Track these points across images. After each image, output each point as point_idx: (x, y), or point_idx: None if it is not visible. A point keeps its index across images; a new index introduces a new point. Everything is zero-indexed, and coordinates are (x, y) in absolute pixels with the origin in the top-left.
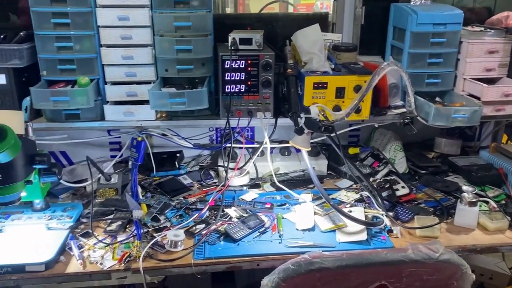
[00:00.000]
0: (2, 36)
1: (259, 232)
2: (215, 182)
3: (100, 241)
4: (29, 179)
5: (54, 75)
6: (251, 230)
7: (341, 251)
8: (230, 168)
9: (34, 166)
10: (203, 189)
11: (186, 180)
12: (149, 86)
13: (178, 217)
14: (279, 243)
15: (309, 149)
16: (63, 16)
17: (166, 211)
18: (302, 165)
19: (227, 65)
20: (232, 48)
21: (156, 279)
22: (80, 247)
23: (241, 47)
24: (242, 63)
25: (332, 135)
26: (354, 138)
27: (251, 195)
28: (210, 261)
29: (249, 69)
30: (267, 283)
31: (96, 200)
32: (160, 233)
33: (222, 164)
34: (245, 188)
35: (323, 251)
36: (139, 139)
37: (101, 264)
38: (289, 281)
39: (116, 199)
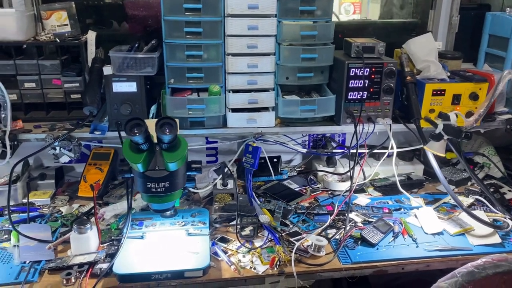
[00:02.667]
0: (136, 45)
1: (393, 236)
2: (318, 187)
3: (243, 245)
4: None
5: (181, 83)
6: (384, 235)
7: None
8: (335, 174)
9: (189, 173)
10: (312, 194)
11: (291, 185)
12: (267, 94)
13: (302, 222)
14: (416, 247)
15: (444, 155)
16: (196, 25)
17: (288, 216)
18: (399, 170)
19: (352, 73)
20: (355, 56)
21: (307, 283)
22: (224, 252)
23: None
24: (367, 70)
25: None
26: None
27: (363, 200)
28: (359, 265)
29: (373, 76)
30: (447, 286)
31: (215, 206)
32: (295, 238)
33: (321, 169)
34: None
35: (461, 254)
36: (254, 145)
37: (254, 269)
38: (473, 283)
39: (234, 204)
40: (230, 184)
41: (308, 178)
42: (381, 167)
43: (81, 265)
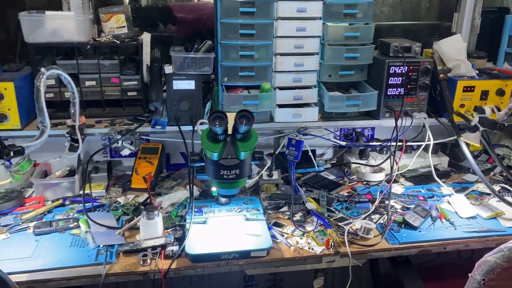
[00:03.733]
0: (196, 46)
1: (432, 220)
2: (353, 178)
3: (297, 228)
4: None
5: (234, 81)
6: (424, 219)
7: None
8: (369, 166)
9: (253, 162)
10: (350, 184)
11: (328, 176)
12: (311, 90)
13: (345, 209)
14: (455, 229)
15: (479, 145)
16: (250, 27)
17: (332, 204)
18: (425, 162)
19: (391, 71)
20: (393, 55)
21: (360, 262)
22: (281, 235)
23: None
24: (405, 68)
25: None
26: None
27: (398, 189)
28: (406, 245)
29: (410, 74)
30: (495, 260)
31: (262, 195)
32: (343, 223)
33: (356, 161)
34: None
35: (496, 235)
36: (297, 138)
37: (311, 249)
38: None
39: (279, 193)
40: (275, 175)
41: (345, 170)
42: (409, 160)
43: (154, 247)
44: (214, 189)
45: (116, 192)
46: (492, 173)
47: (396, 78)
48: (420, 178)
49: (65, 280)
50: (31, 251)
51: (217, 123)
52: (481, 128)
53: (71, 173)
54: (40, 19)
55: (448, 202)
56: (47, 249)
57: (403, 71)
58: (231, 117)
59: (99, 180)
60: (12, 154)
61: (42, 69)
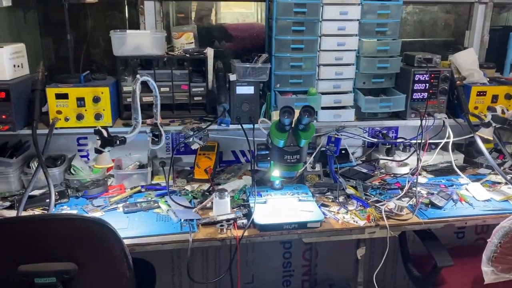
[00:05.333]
0: (255, 58)
1: (453, 202)
2: (382, 171)
3: (342, 207)
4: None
5: (285, 87)
6: (446, 201)
7: None
8: (396, 161)
9: (308, 151)
10: (379, 176)
11: (361, 170)
12: (348, 95)
13: (379, 194)
14: (473, 209)
15: (492, 138)
16: (299, 42)
17: (368, 190)
18: (444, 158)
19: (416, 78)
20: (417, 65)
21: (396, 233)
22: (329, 212)
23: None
24: (428, 76)
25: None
26: None
27: (422, 179)
28: (433, 220)
29: (432, 81)
30: (509, 225)
31: (307, 184)
32: (379, 204)
33: (384, 157)
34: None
35: (509, 212)
36: (336, 135)
37: (356, 222)
38: None
39: (322, 182)
40: (317, 167)
41: (374, 164)
42: (430, 156)
43: (228, 220)
44: (274, 174)
45: (182, 182)
46: (502, 168)
47: (420, 85)
48: (440, 172)
49: (160, 244)
50: (126, 224)
51: (286, 116)
52: (494, 124)
53: (140, 166)
54: (124, 37)
55: (466, 189)
56: (138, 223)
57: (426, 79)
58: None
59: (166, 172)
60: (118, 142)
61: (138, 76)
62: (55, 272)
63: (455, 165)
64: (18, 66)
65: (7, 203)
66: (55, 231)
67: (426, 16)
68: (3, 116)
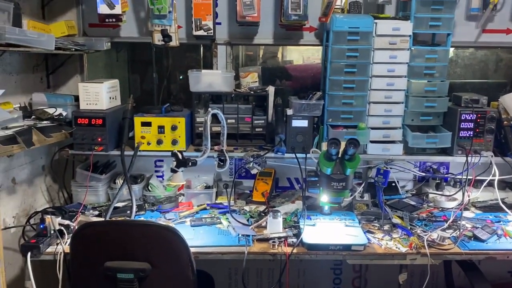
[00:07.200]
0: (310, 95)
1: (497, 236)
2: (431, 205)
3: (386, 235)
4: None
5: (336, 121)
6: (490, 235)
7: None
8: (445, 195)
9: (354, 180)
10: (427, 209)
11: (410, 202)
12: (397, 131)
13: (424, 225)
14: None
15: None
16: (351, 82)
17: (413, 221)
18: (494, 195)
19: (463, 117)
20: (464, 105)
21: (436, 261)
22: (373, 238)
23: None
24: (474, 116)
25: None
26: None
27: (469, 214)
28: (474, 251)
29: (478, 120)
30: None
31: (355, 212)
32: (423, 234)
33: (433, 192)
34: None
35: None
36: (384, 168)
37: (398, 248)
38: None
39: (369, 211)
40: (366, 197)
41: (423, 198)
42: (480, 193)
43: (279, 237)
44: (322, 199)
45: (241, 203)
46: None
47: (467, 123)
48: (489, 208)
49: (220, 254)
50: (192, 235)
51: (333, 147)
52: None
53: (206, 187)
54: (200, 76)
55: None
56: (202, 235)
57: (472, 118)
58: (341, 144)
59: (229, 194)
60: (190, 164)
61: (209, 109)
62: (133, 269)
63: (505, 202)
64: (113, 98)
65: (96, 212)
66: (135, 234)
67: (480, 58)
68: (99, 139)
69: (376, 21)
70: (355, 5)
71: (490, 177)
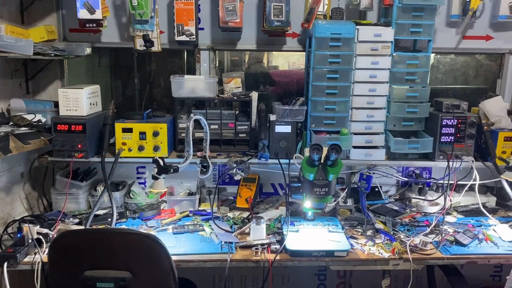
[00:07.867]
0: (293, 101)
1: (478, 241)
2: (413, 210)
3: (369, 240)
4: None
5: (319, 127)
6: (472, 239)
7: None
8: (427, 200)
9: (337, 185)
10: (410, 214)
11: (393, 207)
12: (379, 136)
13: (407, 230)
14: (498, 248)
15: None
16: (333, 88)
17: (396, 226)
18: (475, 200)
19: (444, 123)
20: (445, 111)
21: (419, 266)
22: (356, 244)
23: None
24: (455, 121)
25: None
26: None
27: (451, 219)
28: (456, 256)
29: (459, 125)
30: None
31: (338, 217)
32: (405, 239)
33: (415, 197)
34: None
35: None
36: (367, 173)
37: (381, 254)
38: None
39: (353, 216)
40: (349, 202)
41: (406, 203)
42: (462, 198)
43: (262, 244)
44: (305, 205)
45: (225, 210)
46: None
47: (448, 129)
48: (470, 212)
49: (202, 261)
50: (174, 243)
51: (315, 152)
52: None
53: (189, 194)
54: (182, 81)
55: (494, 230)
56: (185, 242)
57: (453, 123)
58: (324, 150)
59: (212, 200)
60: (172, 170)
61: (192, 115)
62: (114, 278)
63: (487, 206)
64: (93, 104)
65: (76, 220)
66: (115, 242)
67: (459, 64)
68: (79, 146)
69: (358, 27)
70: (337, 11)
71: (471, 182)
